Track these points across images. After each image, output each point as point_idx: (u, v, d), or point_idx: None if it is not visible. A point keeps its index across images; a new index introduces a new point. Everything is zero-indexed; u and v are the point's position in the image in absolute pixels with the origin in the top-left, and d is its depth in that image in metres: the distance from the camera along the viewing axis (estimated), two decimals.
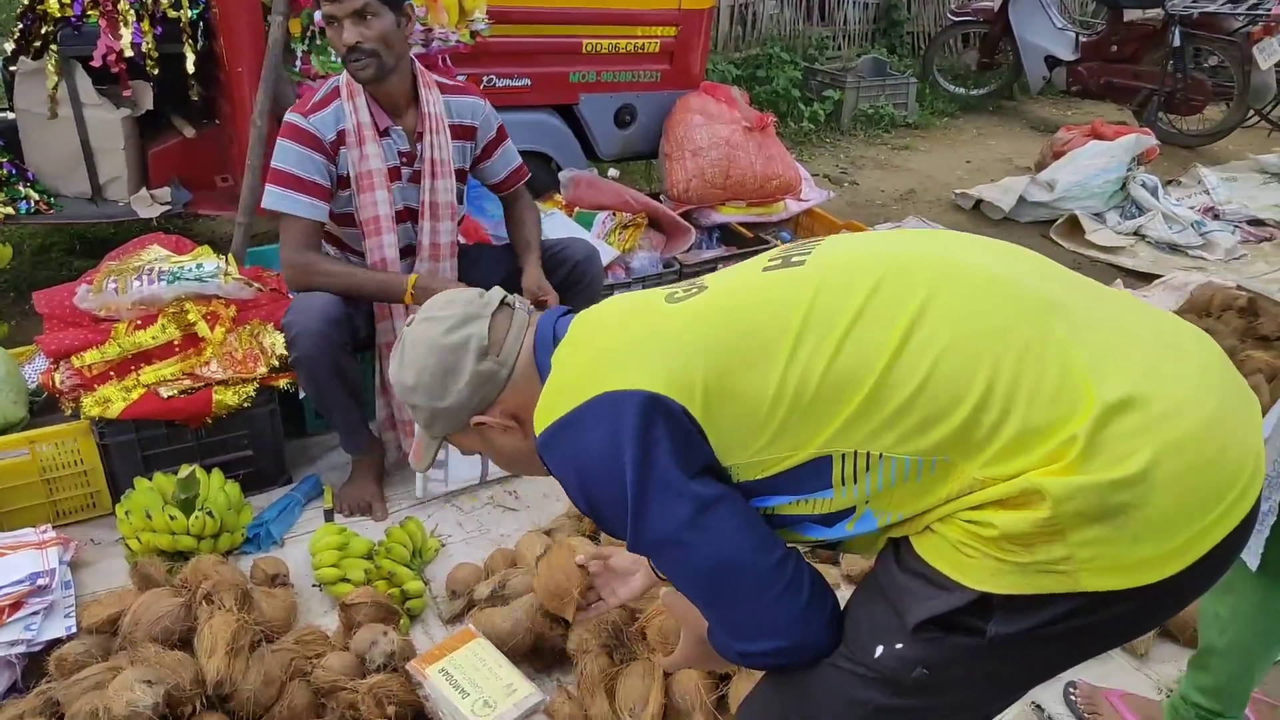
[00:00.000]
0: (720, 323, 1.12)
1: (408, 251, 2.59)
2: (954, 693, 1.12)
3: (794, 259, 1.18)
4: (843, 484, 1.08)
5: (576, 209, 3.87)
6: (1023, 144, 6.99)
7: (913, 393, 1.03)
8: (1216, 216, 5.11)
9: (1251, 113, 6.69)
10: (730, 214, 4.19)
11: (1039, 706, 2.04)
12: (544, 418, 1.17)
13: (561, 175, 3.86)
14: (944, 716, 1.16)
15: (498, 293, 1.34)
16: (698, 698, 1.83)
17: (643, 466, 1.07)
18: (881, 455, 1.05)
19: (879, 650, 1.11)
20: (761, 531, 1.13)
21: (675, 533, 1.10)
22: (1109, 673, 2.05)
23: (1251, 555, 1.64)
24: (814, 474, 1.09)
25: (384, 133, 2.46)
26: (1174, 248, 4.75)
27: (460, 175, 2.62)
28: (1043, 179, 5.07)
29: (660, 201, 4.06)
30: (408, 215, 2.56)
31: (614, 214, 3.89)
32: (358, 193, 2.45)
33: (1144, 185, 4.96)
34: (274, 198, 2.39)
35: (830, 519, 1.13)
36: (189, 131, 3.68)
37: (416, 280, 2.41)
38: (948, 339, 1.04)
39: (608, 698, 1.86)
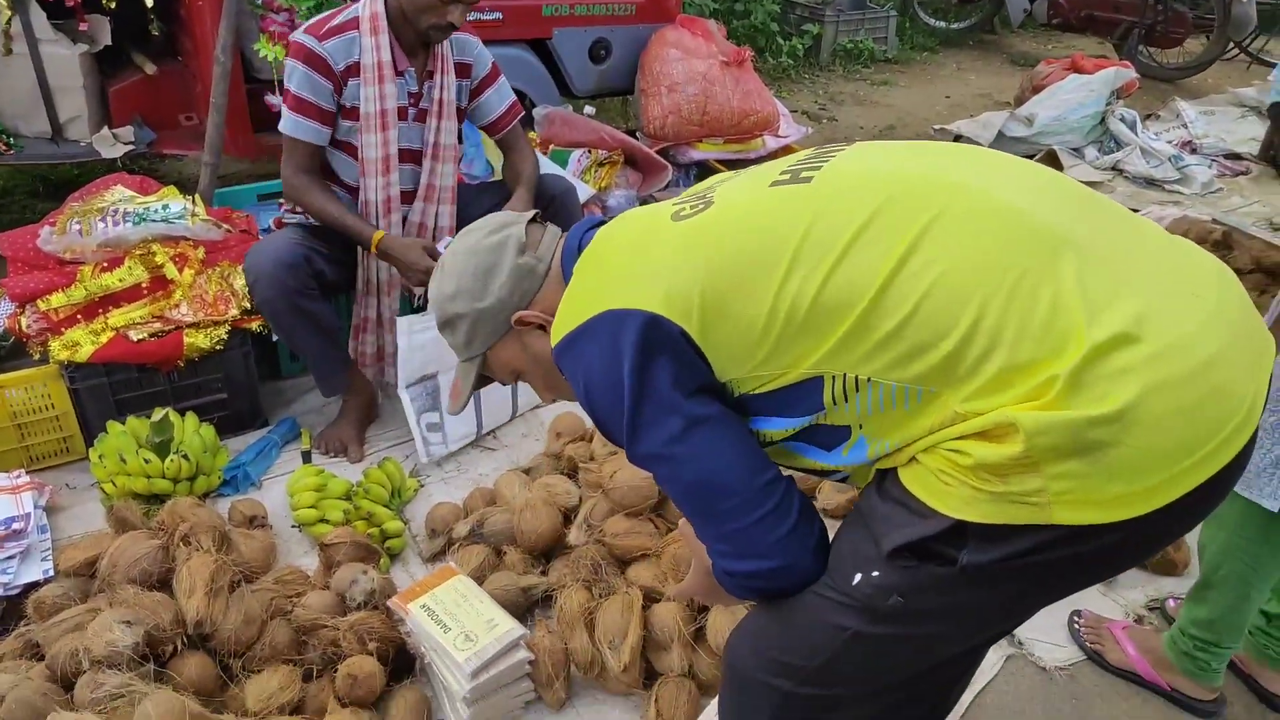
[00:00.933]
0: (719, 244, 1.13)
1: (406, 196, 2.55)
2: (930, 622, 1.13)
3: (803, 174, 1.17)
4: (834, 404, 1.10)
5: (552, 146, 3.81)
6: (1003, 79, 6.92)
7: (901, 321, 1.03)
8: (1194, 151, 5.11)
9: (1231, 45, 6.65)
10: (707, 151, 4.13)
11: (1020, 643, 2.09)
12: (558, 330, 1.21)
13: (536, 112, 3.79)
14: (921, 647, 1.18)
15: (530, 212, 1.40)
16: (676, 630, 1.86)
17: (639, 383, 1.11)
18: (870, 380, 1.06)
19: (857, 578, 1.13)
20: (752, 453, 1.15)
21: (665, 447, 1.14)
22: (1078, 598, 2.09)
23: (1270, 498, 1.66)
24: (806, 394, 1.12)
25: (399, 73, 2.41)
26: (1151, 182, 4.75)
27: (459, 115, 2.58)
28: (1022, 114, 5.03)
29: (636, 138, 4.01)
30: (408, 157, 2.51)
31: (589, 151, 3.84)
32: (364, 130, 2.40)
33: (1122, 120, 4.94)
34: (288, 123, 2.36)
35: (828, 442, 1.15)
36: (150, 68, 3.58)
37: (382, 238, 2.40)
38: (941, 270, 1.03)
39: (587, 631, 1.88)
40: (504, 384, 1.46)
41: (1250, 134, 5.36)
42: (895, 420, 1.08)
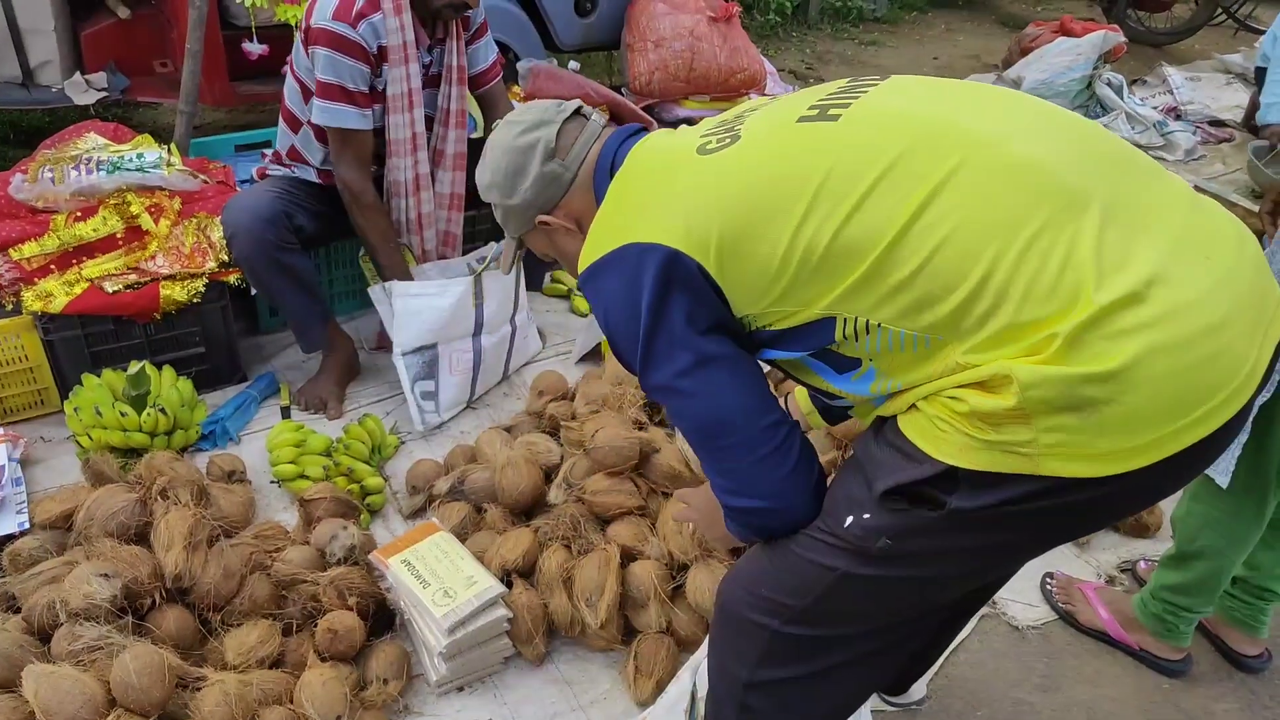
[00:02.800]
0: (741, 183, 1.15)
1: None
2: (916, 565, 1.15)
3: (832, 110, 1.17)
4: (844, 339, 1.13)
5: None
6: (991, 40, 6.86)
7: (913, 271, 1.05)
8: (1179, 117, 5.10)
9: (1219, 11, 6.61)
10: (693, 108, 4.09)
11: (994, 602, 2.12)
12: (584, 259, 1.25)
13: (520, 65, 3.73)
14: (906, 590, 1.20)
15: (574, 103, 1.41)
16: (652, 587, 1.87)
17: (655, 316, 1.15)
18: (880, 325, 1.09)
19: (848, 520, 1.16)
20: (759, 394, 1.19)
21: (675, 381, 1.18)
22: (1051, 558, 2.12)
23: (1221, 474, 1.69)
24: (818, 331, 1.15)
25: (420, 49, 2.38)
26: (1136, 147, 4.76)
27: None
28: (1009, 76, 4.99)
29: (622, 94, 3.95)
30: (426, 123, 2.49)
31: None
32: (392, 112, 2.38)
33: (1109, 84, 4.91)
34: (328, 114, 2.30)
35: (838, 365, 1.18)
36: (123, 12, 3.47)
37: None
38: (955, 223, 1.04)
39: (565, 589, 1.89)
40: (543, 259, 1.52)
41: (1235, 101, 5.36)
42: (902, 362, 1.10)
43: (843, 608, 1.22)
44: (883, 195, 1.07)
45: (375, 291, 2.47)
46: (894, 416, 1.15)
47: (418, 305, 2.40)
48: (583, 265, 1.25)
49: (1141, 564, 2.24)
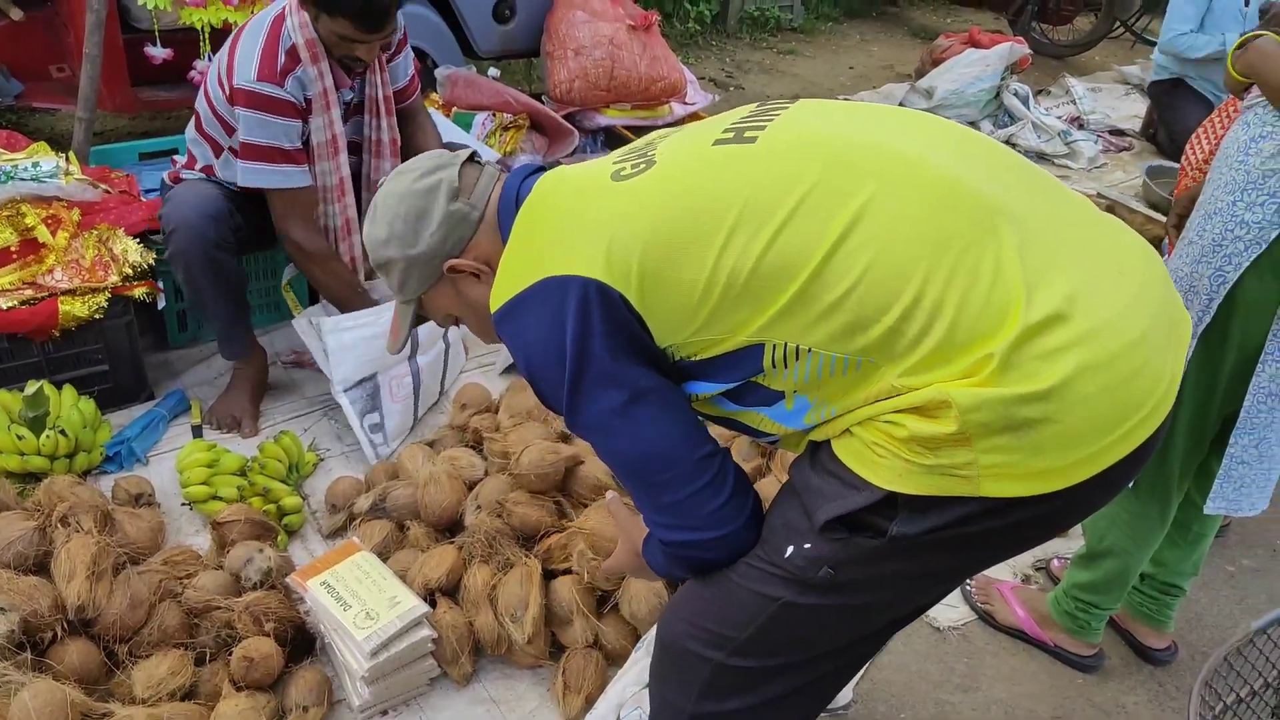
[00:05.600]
0: (659, 208, 1.12)
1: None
2: (858, 592, 1.15)
3: (747, 133, 1.15)
4: (773, 368, 1.10)
5: (454, 109, 3.70)
6: (904, 51, 7.04)
7: (842, 294, 1.04)
8: (1081, 126, 5.30)
9: (1117, 24, 6.90)
10: (614, 117, 4.08)
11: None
12: (496, 298, 1.19)
13: (438, 73, 3.67)
14: (850, 616, 1.20)
15: (467, 150, 1.34)
16: (574, 603, 1.85)
17: (580, 352, 1.10)
18: (810, 350, 1.07)
19: (789, 550, 1.15)
20: (691, 425, 1.16)
21: (606, 419, 1.14)
22: None
23: None
24: (745, 359, 1.12)
25: (339, 89, 2.33)
26: (1041, 156, 4.92)
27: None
28: (922, 86, 5.13)
29: (542, 102, 3.93)
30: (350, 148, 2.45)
31: (494, 115, 3.74)
32: (318, 159, 2.33)
33: (1016, 94, 5.08)
34: (264, 175, 2.23)
35: (769, 398, 1.15)
36: (16, 14, 3.32)
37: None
38: (883, 244, 1.03)
39: (491, 606, 1.86)
40: (441, 326, 1.43)
41: (1133, 111, 5.60)
42: (833, 389, 1.09)
43: (785, 637, 1.20)
44: (806, 217, 1.06)
45: (300, 324, 2.40)
46: (828, 441, 1.14)
47: (351, 339, 2.33)
48: (495, 304, 1.19)
49: (1055, 562, 2.31)
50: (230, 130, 2.29)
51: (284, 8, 2.22)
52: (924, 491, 1.04)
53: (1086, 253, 1.07)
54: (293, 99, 2.21)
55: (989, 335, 1.00)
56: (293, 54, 2.21)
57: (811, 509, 1.13)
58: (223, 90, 2.24)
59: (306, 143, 2.31)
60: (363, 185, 2.51)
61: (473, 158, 1.33)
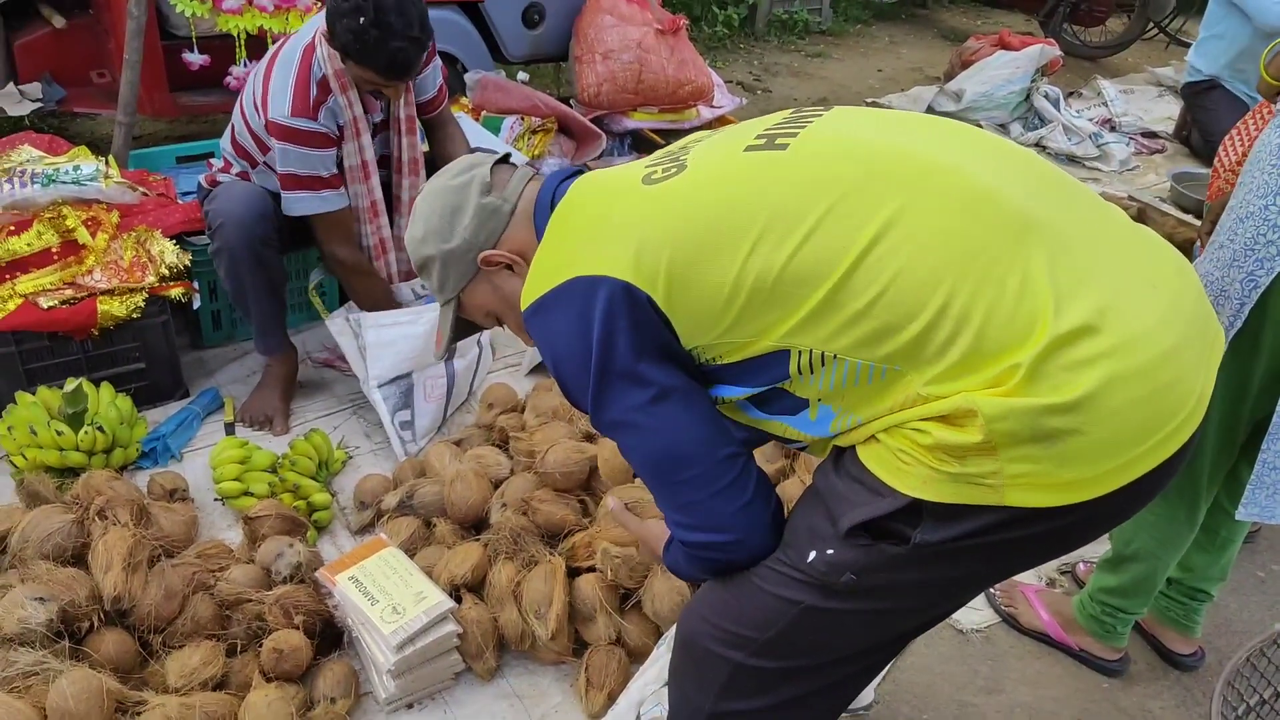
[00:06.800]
0: (688, 212, 1.13)
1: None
2: (880, 599, 1.15)
3: (779, 140, 1.15)
4: (799, 375, 1.11)
5: (484, 113, 3.74)
6: (934, 53, 7.00)
7: (870, 301, 1.04)
8: (1113, 128, 5.24)
9: (1150, 25, 6.82)
10: (642, 120, 4.11)
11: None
12: (527, 295, 1.21)
13: (468, 77, 3.72)
14: (871, 621, 1.20)
15: (500, 151, 1.38)
16: (597, 600, 1.87)
17: (606, 351, 1.12)
18: (836, 356, 1.07)
19: (811, 555, 1.15)
20: (715, 426, 1.17)
21: (630, 416, 1.15)
22: None
23: None
24: (771, 365, 1.12)
25: (366, 111, 2.39)
26: (1072, 159, 4.87)
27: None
28: (951, 88, 5.10)
29: (570, 106, 3.96)
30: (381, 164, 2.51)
31: (522, 118, 3.78)
32: (350, 183, 2.41)
33: (1047, 96, 5.04)
34: (307, 202, 2.33)
35: (794, 406, 1.16)
36: (59, 22, 3.40)
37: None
38: (912, 251, 1.03)
39: (515, 603, 1.89)
40: (484, 327, 1.46)
41: (1166, 113, 5.53)
42: (859, 396, 1.09)
43: (806, 640, 1.20)
44: (835, 223, 1.06)
45: (335, 323, 2.45)
46: (852, 447, 1.14)
47: (391, 335, 2.38)
48: (526, 302, 1.21)
49: (1080, 566, 2.30)
50: (264, 148, 2.37)
51: (314, 36, 2.27)
52: (949, 499, 1.04)
53: (1119, 265, 1.06)
54: (326, 130, 2.28)
55: (1016, 345, 1.00)
56: (323, 85, 2.27)
57: (836, 514, 1.13)
58: (259, 116, 2.31)
59: (340, 164, 2.38)
60: (392, 203, 2.57)
61: (506, 159, 1.36)
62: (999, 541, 1.07)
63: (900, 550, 1.09)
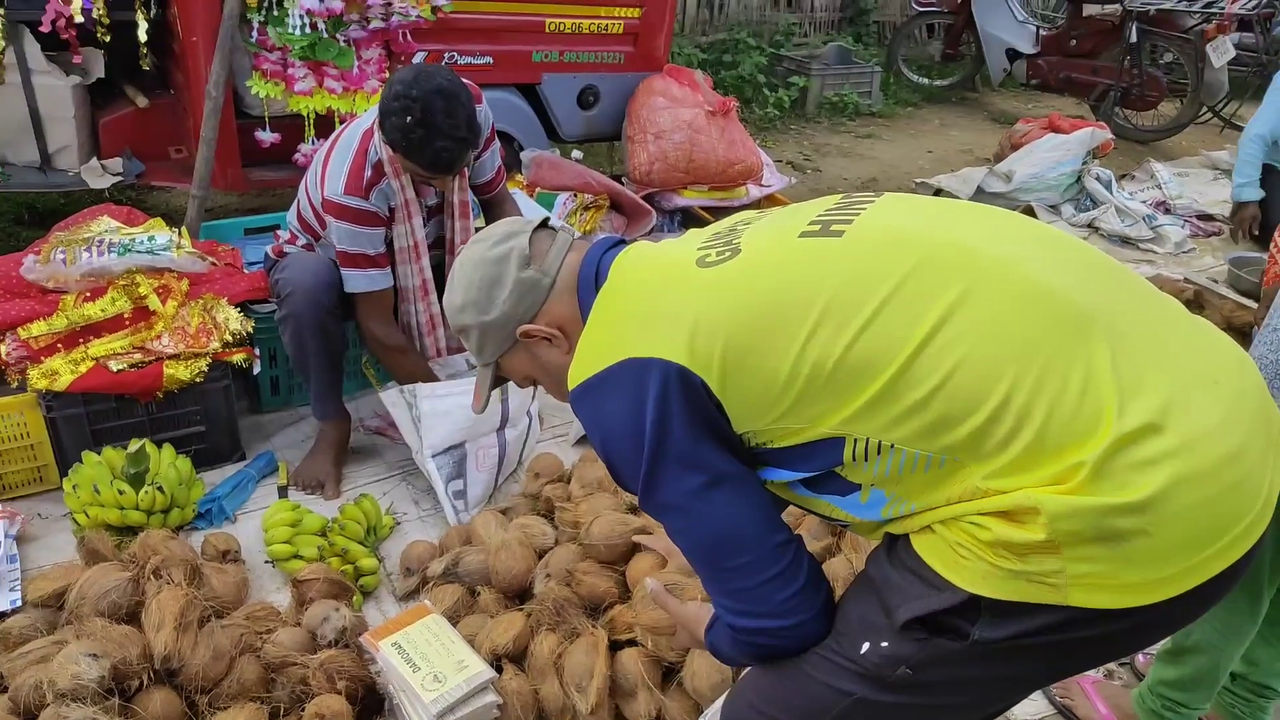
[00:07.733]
0: (745, 297, 1.12)
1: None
2: (935, 694, 1.13)
3: (834, 226, 1.15)
4: (853, 460, 1.10)
5: (538, 189, 3.85)
6: (984, 135, 7.06)
7: (930, 391, 1.03)
8: (1168, 211, 5.22)
9: (1204, 109, 6.82)
10: (692, 198, 4.20)
11: None
12: (576, 375, 1.20)
13: (524, 155, 3.84)
14: (924, 716, 1.18)
15: (540, 216, 1.37)
16: (639, 676, 1.85)
17: (659, 435, 1.11)
18: (893, 445, 1.06)
19: (865, 646, 1.12)
20: (767, 512, 1.16)
21: (682, 501, 1.14)
22: None
23: None
24: (826, 450, 1.11)
25: (419, 195, 2.49)
26: (1125, 240, 4.85)
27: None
28: (1000, 170, 5.13)
29: (622, 184, 4.06)
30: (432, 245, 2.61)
31: (575, 195, 3.88)
32: (399, 263, 2.52)
33: (1098, 178, 5.04)
34: (355, 280, 2.44)
35: (845, 489, 1.14)
36: (141, 101, 3.60)
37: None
38: (972, 343, 1.03)
39: (557, 675, 1.87)
40: (520, 387, 1.46)
41: (1222, 195, 5.48)
42: (915, 484, 1.07)
43: None
44: (894, 312, 1.05)
45: (389, 395, 2.52)
46: (907, 535, 1.12)
47: (446, 405, 2.44)
48: (574, 382, 1.20)
49: (1140, 658, 2.22)
50: (324, 224, 2.47)
51: (373, 122, 2.37)
52: (1009, 597, 1.02)
53: (1180, 361, 1.05)
54: (376, 210, 2.37)
55: (1080, 443, 0.98)
56: (378, 168, 2.36)
57: (891, 606, 1.11)
58: (318, 193, 2.43)
59: (390, 244, 2.47)
60: (444, 283, 2.63)
61: (545, 223, 1.36)
62: (1060, 641, 1.04)
63: (958, 646, 1.06)
